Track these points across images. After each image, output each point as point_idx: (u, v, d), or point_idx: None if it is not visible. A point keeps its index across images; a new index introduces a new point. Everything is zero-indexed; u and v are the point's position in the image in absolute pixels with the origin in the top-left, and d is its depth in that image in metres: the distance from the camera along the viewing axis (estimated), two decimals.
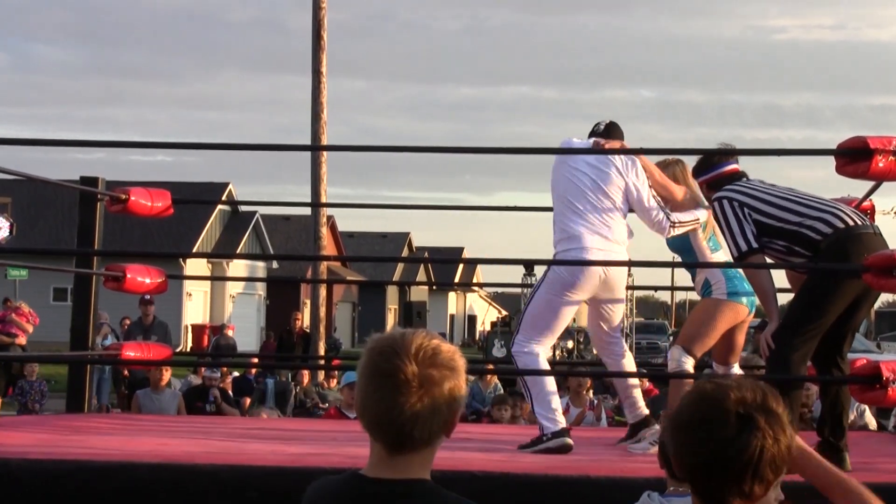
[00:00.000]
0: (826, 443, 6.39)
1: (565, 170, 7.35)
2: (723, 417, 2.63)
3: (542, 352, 7.47)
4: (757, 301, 7.16)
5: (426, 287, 70.06)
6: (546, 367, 7.55)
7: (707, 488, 2.66)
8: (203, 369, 15.39)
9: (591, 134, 7.53)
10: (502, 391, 14.11)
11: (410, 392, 2.68)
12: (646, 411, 7.61)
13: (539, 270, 22.88)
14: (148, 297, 17.09)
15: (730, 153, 6.92)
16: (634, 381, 7.71)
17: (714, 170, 6.91)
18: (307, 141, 23.11)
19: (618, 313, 7.61)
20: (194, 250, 47.83)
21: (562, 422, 7.26)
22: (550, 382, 7.43)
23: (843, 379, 6.90)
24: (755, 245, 6.49)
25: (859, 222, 6.46)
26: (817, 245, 6.42)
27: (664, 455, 4.82)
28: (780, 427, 2.65)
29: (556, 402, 7.29)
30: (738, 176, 6.85)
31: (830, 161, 6.89)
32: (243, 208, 54.69)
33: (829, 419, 6.47)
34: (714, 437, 2.62)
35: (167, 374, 12.43)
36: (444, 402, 2.72)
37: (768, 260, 6.65)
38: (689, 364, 7.19)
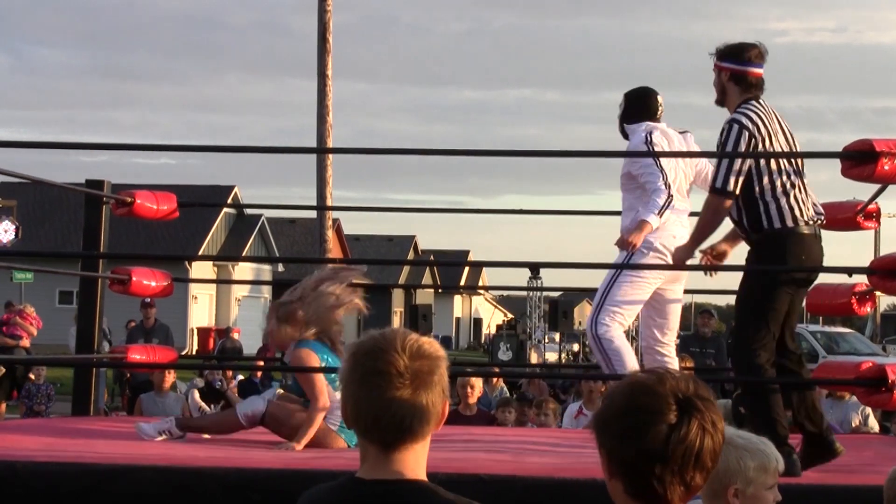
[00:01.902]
0: (810, 435, 6.36)
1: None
2: (662, 404, 2.55)
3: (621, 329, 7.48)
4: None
5: (432, 290, 70.03)
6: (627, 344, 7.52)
7: (646, 482, 2.55)
8: (207, 374, 15.37)
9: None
10: (508, 394, 14.09)
11: (405, 385, 2.69)
12: None
13: (544, 273, 22.87)
14: (149, 300, 17.10)
15: (762, 57, 6.67)
16: None
17: (745, 65, 6.62)
18: (312, 143, 23.12)
19: (674, 315, 7.58)
20: (200, 253, 47.88)
21: None
22: (631, 358, 7.42)
23: (850, 381, 6.90)
24: (735, 192, 6.41)
25: (802, 221, 6.43)
26: (760, 230, 6.43)
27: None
28: (717, 415, 2.59)
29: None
30: (760, 84, 6.63)
31: (835, 164, 6.89)
32: (249, 211, 54.73)
33: (802, 411, 6.39)
34: (654, 425, 2.53)
35: (170, 376, 12.42)
36: (436, 394, 2.73)
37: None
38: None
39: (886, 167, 6.65)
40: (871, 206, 8.13)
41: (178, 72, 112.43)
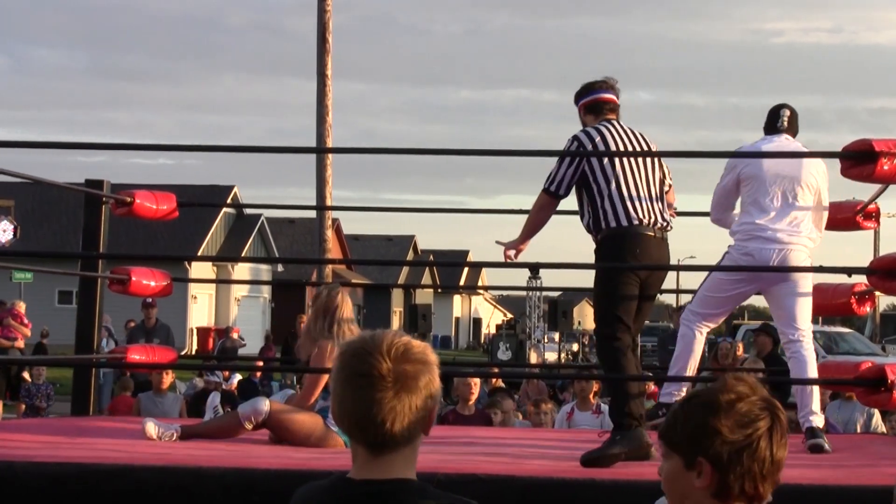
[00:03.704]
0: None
1: None
2: (762, 414, 2.68)
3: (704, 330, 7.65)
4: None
5: (431, 290, 70.03)
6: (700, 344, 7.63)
7: (748, 485, 2.68)
8: (204, 373, 15.38)
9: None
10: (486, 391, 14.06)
11: (387, 388, 2.71)
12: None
13: (543, 273, 22.88)
14: (150, 300, 17.08)
15: (612, 87, 7.17)
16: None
17: (593, 93, 7.14)
18: (311, 144, 23.09)
19: (793, 307, 7.43)
20: (199, 253, 47.87)
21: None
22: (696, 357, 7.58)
23: (849, 381, 6.90)
24: (560, 193, 6.90)
25: (646, 221, 6.75)
26: (599, 230, 6.80)
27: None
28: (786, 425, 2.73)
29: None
30: (614, 108, 7.12)
31: (833, 164, 6.90)
32: (248, 211, 54.72)
33: (616, 408, 6.64)
34: (758, 433, 2.67)
35: (169, 377, 12.40)
36: (421, 396, 2.74)
37: None
38: None
39: (886, 167, 6.66)
40: (871, 206, 8.13)
41: (176, 72, 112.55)
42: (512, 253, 7.19)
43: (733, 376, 2.75)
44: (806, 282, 7.33)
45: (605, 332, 6.75)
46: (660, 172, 6.97)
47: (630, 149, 6.86)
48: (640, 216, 6.73)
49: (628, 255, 6.73)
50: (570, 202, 7.09)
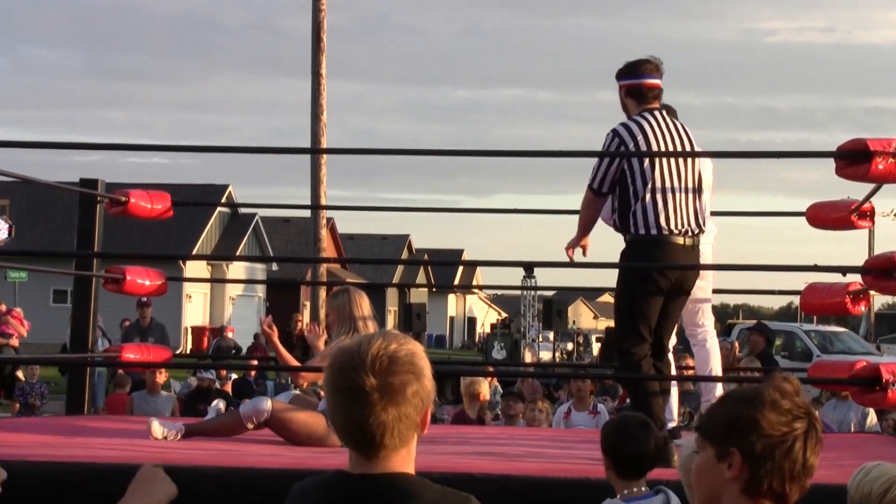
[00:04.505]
0: None
1: None
2: (801, 416, 2.70)
3: None
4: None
5: (426, 289, 70.02)
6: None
7: (777, 484, 2.69)
8: (199, 372, 15.37)
9: None
10: (501, 393, 14.07)
11: (374, 404, 2.71)
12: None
13: (538, 272, 22.89)
14: (145, 299, 17.07)
15: (658, 70, 6.96)
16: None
17: (639, 78, 6.91)
18: (306, 143, 23.09)
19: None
20: (194, 252, 47.81)
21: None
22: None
23: (844, 381, 6.91)
24: (604, 191, 6.77)
25: (676, 228, 6.65)
26: (627, 232, 6.72)
27: (613, 457, 4.86)
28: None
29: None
30: (658, 94, 6.91)
31: (827, 163, 6.91)
32: (243, 210, 54.64)
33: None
34: (795, 434, 2.68)
35: (162, 376, 12.41)
36: (410, 406, 2.74)
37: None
38: None
39: (880, 166, 6.67)
40: (866, 206, 8.13)
41: (172, 72, 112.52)
42: (573, 251, 7.10)
43: (781, 375, 2.77)
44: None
45: (622, 347, 6.74)
46: (699, 169, 6.87)
47: (672, 144, 6.74)
48: (671, 224, 6.63)
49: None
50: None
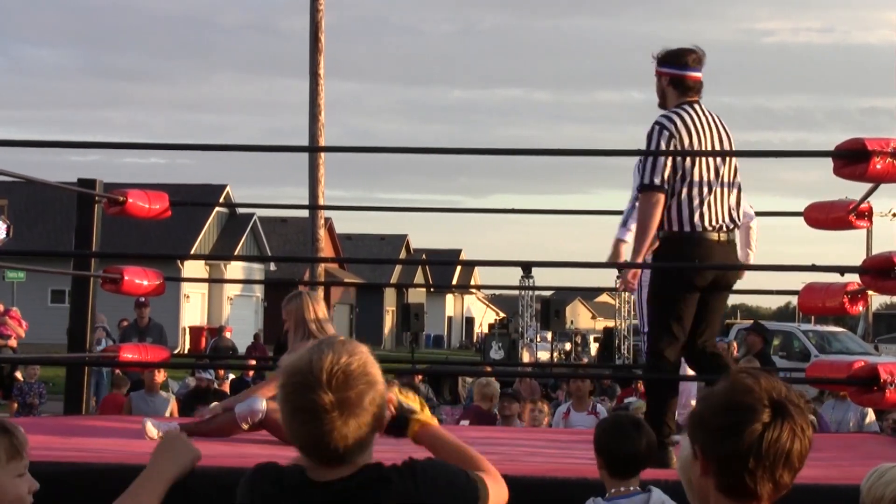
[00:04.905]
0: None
1: None
2: (758, 404, 2.64)
3: None
4: None
5: (424, 289, 70.04)
6: None
7: (739, 478, 2.64)
8: (197, 372, 15.37)
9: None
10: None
11: (332, 420, 2.75)
12: None
13: (536, 272, 22.89)
14: (143, 299, 17.07)
15: (700, 62, 6.84)
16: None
17: (683, 69, 6.79)
18: (304, 143, 23.07)
19: None
20: (192, 252, 47.82)
21: None
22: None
23: (842, 381, 6.90)
24: (663, 186, 6.57)
25: (710, 225, 6.58)
26: (661, 229, 6.61)
27: (605, 456, 4.86)
28: (806, 421, 2.68)
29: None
30: (698, 88, 6.80)
31: (825, 163, 6.90)
32: (241, 210, 54.67)
33: (654, 419, 6.36)
34: (751, 424, 2.63)
35: (160, 376, 12.40)
36: (368, 414, 2.80)
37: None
38: None
39: (878, 166, 6.67)
40: (864, 206, 8.13)
41: (169, 72, 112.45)
42: (638, 275, 6.92)
43: (740, 370, 2.76)
44: None
45: (655, 348, 6.64)
46: (735, 162, 6.79)
47: (715, 138, 6.69)
48: (706, 220, 6.57)
49: (689, 260, 6.61)
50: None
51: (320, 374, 2.75)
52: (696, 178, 6.57)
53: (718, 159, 6.65)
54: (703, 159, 6.59)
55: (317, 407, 2.74)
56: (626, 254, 7.71)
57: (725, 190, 6.65)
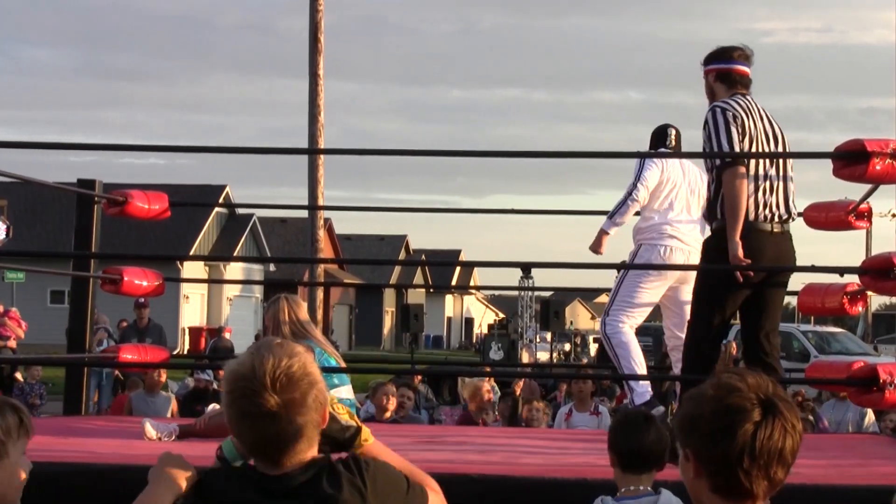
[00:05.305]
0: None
1: None
2: (748, 403, 2.64)
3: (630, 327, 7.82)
4: None
5: (423, 290, 70.04)
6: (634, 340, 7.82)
7: (734, 478, 2.64)
8: (196, 373, 15.37)
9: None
10: (499, 393, 14.08)
11: (280, 420, 2.86)
12: None
13: (535, 273, 22.87)
14: (142, 300, 17.08)
15: (747, 58, 6.88)
16: None
17: (729, 63, 6.83)
18: (303, 143, 23.08)
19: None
20: (191, 253, 47.82)
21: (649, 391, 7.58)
22: (637, 354, 7.75)
23: (841, 381, 6.90)
24: (741, 161, 6.53)
25: (763, 215, 6.57)
26: (714, 219, 6.64)
27: (616, 451, 4.86)
28: (796, 416, 2.68)
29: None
30: (746, 82, 6.82)
31: (825, 164, 6.90)
32: (240, 211, 54.67)
33: None
34: (742, 424, 2.63)
35: (161, 376, 12.40)
36: (312, 411, 2.91)
37: None
38: None
39: (878, 167, 6.66)
40: (863, 206, 8.13)
41: (168, 72, 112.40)
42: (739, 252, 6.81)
43: (725, 369, 2.76)
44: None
45: (695, 337, 6.66)
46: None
47: (769, 129, 6.69)
48: (760, 210, 6.55)
49: (747, 253, 6.52)
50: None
51: (264, 378, 2.86)
52: (752, 169, 6.56)
53: (773, 148, 6.65)
54: (759, 146, 6.59)
55: (264, 410, 2.85)
56: (606, 246, 8.04)
57: (781, 181, 6.64)
